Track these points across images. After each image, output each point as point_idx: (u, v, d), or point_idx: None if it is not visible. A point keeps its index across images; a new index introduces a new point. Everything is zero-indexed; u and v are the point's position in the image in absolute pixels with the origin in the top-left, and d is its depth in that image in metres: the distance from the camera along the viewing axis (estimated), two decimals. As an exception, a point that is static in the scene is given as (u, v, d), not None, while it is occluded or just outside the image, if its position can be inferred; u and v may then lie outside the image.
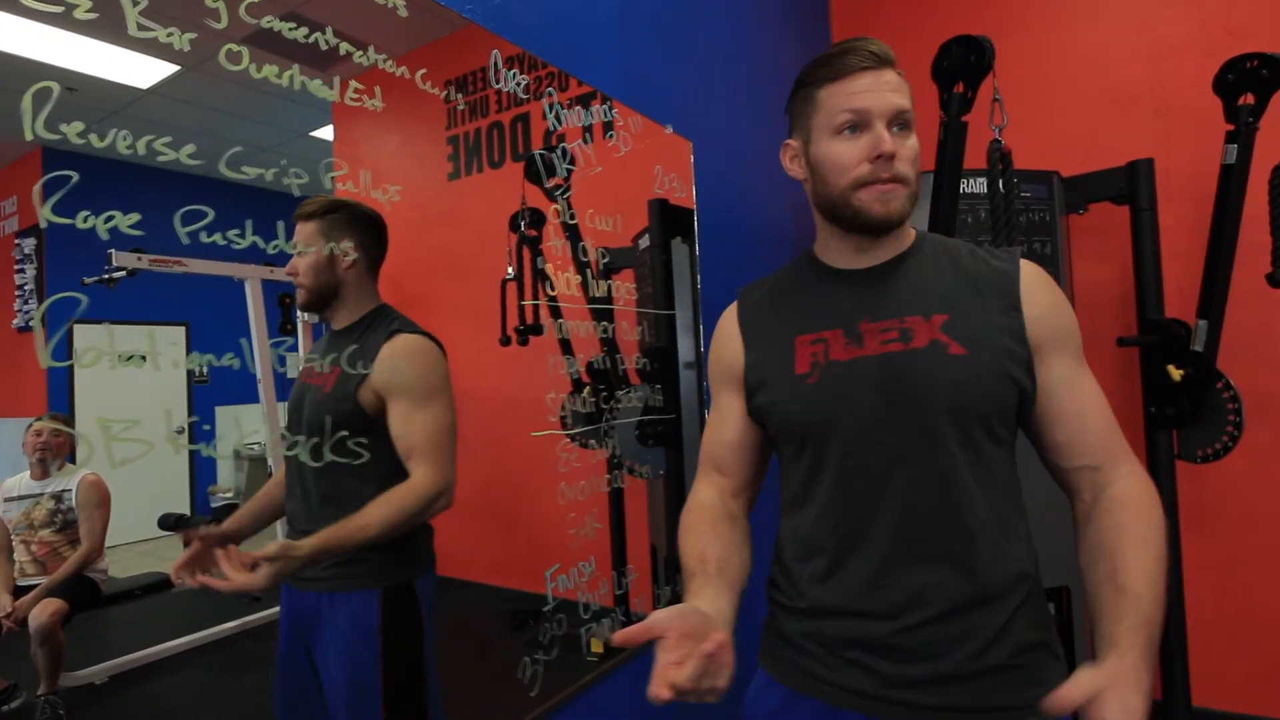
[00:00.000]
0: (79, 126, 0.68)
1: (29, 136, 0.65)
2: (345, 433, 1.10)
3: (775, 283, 1.04)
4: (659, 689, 0.68)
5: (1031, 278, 0.91)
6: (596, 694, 1.50)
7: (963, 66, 1.72)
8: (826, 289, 0.96)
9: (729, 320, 1.04)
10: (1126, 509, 0.84)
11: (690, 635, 0.72)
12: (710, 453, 1.05)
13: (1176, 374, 2.10)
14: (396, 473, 1.16)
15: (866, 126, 0.88)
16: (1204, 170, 2.18)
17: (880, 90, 0.88)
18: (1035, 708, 0.80)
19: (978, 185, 2.15)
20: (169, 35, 0.76)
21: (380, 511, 1.08)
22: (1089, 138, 2.53)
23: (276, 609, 1.36)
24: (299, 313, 1.70)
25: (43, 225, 0.68)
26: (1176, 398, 2.12)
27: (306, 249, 1.13)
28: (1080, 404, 0.89)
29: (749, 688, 0.99)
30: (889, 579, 0.86)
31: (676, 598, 1.79)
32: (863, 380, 0.89)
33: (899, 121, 0.89)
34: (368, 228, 1.20)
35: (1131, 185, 2.24)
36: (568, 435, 1.51)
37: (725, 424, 1.02)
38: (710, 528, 0.97)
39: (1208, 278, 2.05)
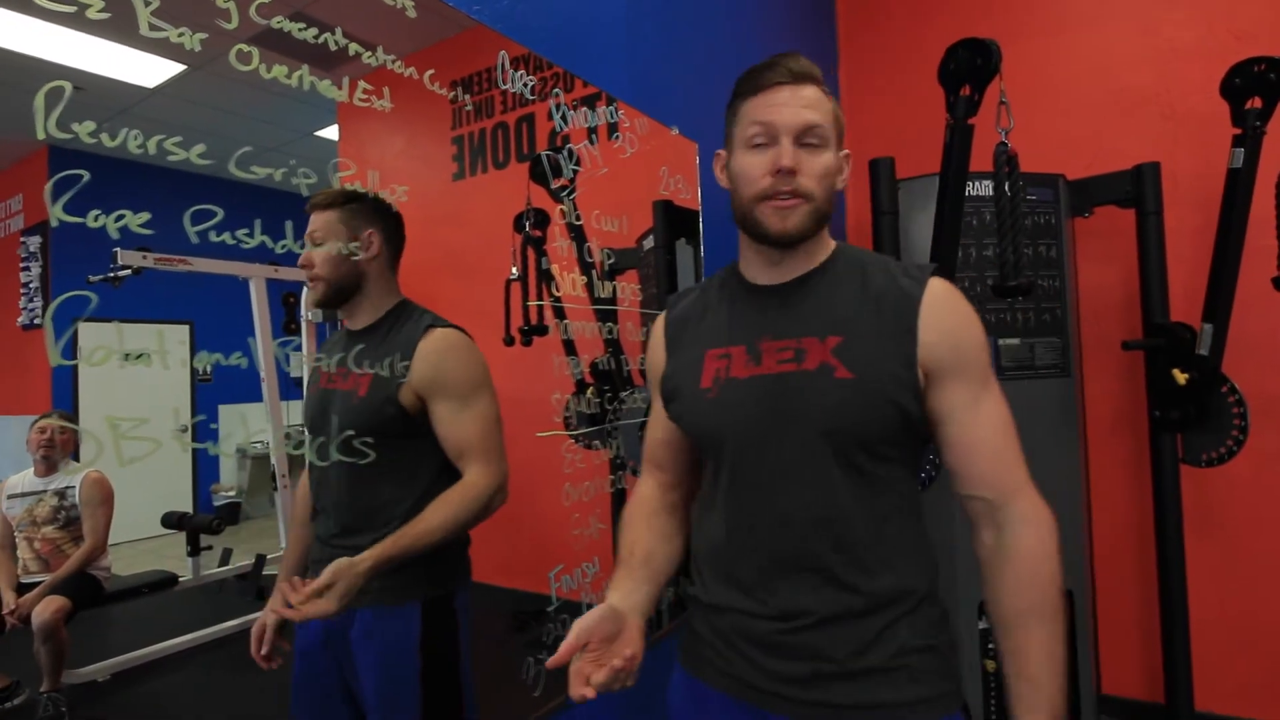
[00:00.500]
0: (90, 126, 0.68)
1: (41, 136, 0.65)
2: (383, 437, 1.08)
3: (700, 293, 1.06)
4: (580, 689, 0.81)
5: (935, 300, 0.89)
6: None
7: (969, 69, 1.71)
8: (740, 304, 0.98)
9: (658, 328, 1.09)
10: (1021, 570, 0.86)
11: (608, 638, 0.86)
12: (649, 450, 1.10)
13: (1181, 378, 2.10)
14: (440, 473, 1.14)
15: (774, 141, 0.89)
16: (1210, 174, 2.17)
17: (792, 105, 0.89)
18: (917, 706, 0.85)
19: (983, 188, 2.15)
20: (180, 35, 0.76)
21: (442, 514, 1.06)
22: (1095, 141, 2.52)
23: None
24: (304, 311, 1.70)
25: (54, 224, 0.68)
26: (1181, 402, 2.12)
27: (325, 240, 1.08)
28: (975, 432, 0.88)
29: (670, 679, 1.03)
30: (770, 587, 0.90)
31: (679, 598, 1.79)
32: (751, 398, 0.91)
33: (809, 137, 0.89)
34: (390, 218, 1.17)
35: (1137, 189, 2.23)
36: (571, 436, 1.51)
37: (658, 424, 1.07)
38: (644, 520, 1.04)
39: (1213, 281, 2.05)
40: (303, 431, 1.37)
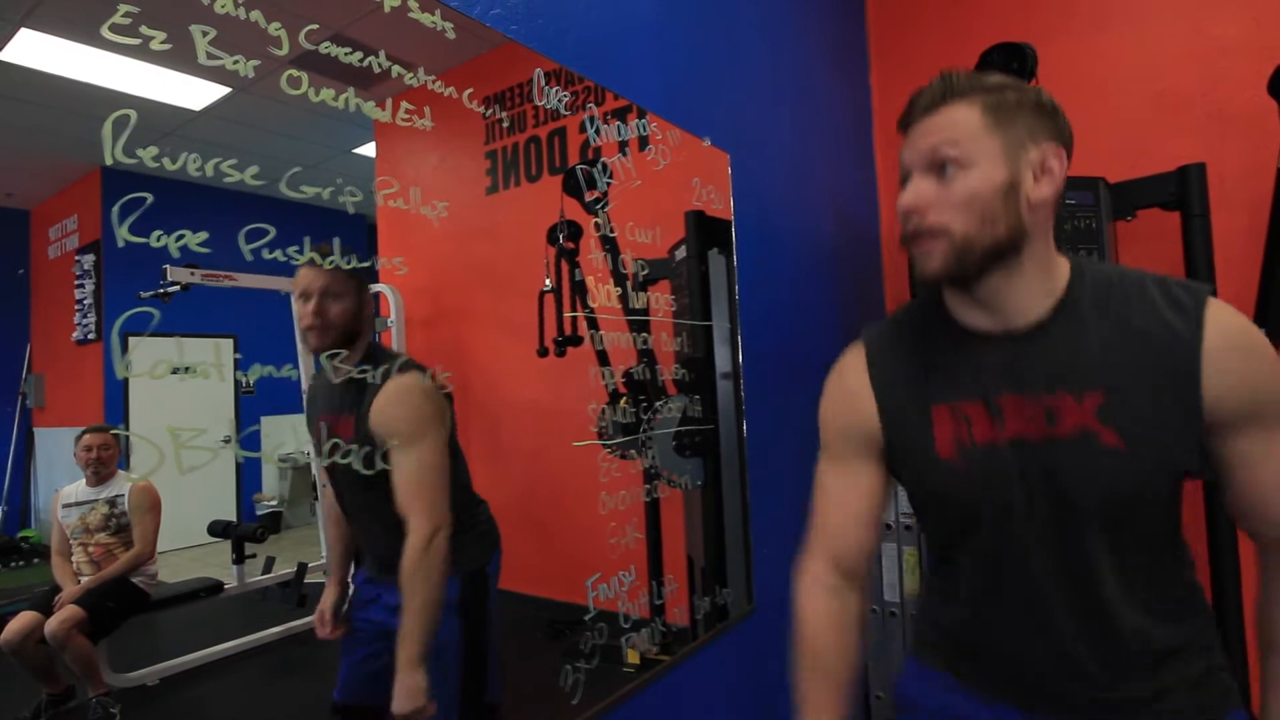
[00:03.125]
0: (154, 151, 0.71)
1: (108, 161, 0.68)
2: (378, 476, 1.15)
3: (899, 329, 0.92)
4: None
5: (1221, 339, 0.75)
6: (636, 704, 1.50)
7: (1004, 73, 1.69)
8: (956, 346, 0.85)
9: (856, 374, 0.92)
10: None
11: None
12: (829, 528, 0.95)
13: (1233, 385, 2.03)
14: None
15: (908, 180, 0.83)
16: (1260, 174, 2.11)
17: (923, 135, 0.80)
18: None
19: (1021, 192, 2.11)
20: (235, 63, 0.79)
21: (414, 590, 1.15)
22: (1137, 143, 2.46)
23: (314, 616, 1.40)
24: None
25: (120, 244, 0.71)
26: (1233, 410, 2.05)
27: (341, 292, 1.14)
28: (1274, 474, 0.78)
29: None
30: (1025, 661, 0.86)
31: (715, 608, 1.78)
32: (1003, 471, 0.81)
33: (939, 163, 0.79)
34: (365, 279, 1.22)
35: (1182, 190, 2.17)
36: (605, 446, 1.51)
37: (859, 492, 0.92)
38: (837, 641, 0.93)
39: (1265, 284, 1.98)
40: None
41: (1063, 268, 0.82)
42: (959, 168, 0.77)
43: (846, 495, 0.93)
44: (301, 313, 1.13)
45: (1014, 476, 0.80)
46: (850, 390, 0.92)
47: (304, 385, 1.70)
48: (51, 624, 1.32)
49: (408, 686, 1.11)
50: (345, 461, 1.11)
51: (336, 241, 0.98)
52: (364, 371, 1.16)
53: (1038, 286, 0.81)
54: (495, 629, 1.33)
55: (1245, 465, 0.78)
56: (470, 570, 1.29)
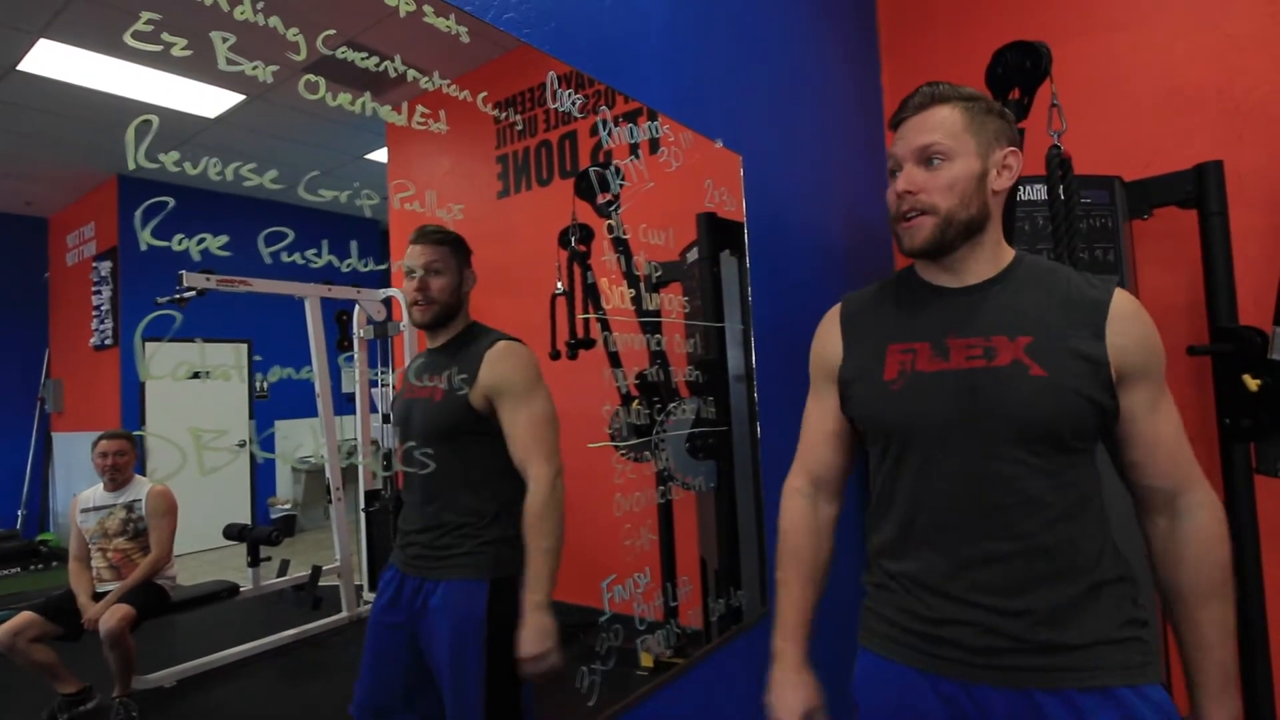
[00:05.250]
0: (175, 156, 0.72)
1: (131, 166, 0.69)
2: (456, 435, 1.24)
3: (877, 291, 1.12)
4: None
5: (1121, 307, 0.96)
6: (651, 707, 1.49)
7: (1018, 72, 1.68)
8: (922, 303, 1.04)
9: (832, 319, 1.13)
10: (1201, 551, 0.95)
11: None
12: (808, 450, 1.15)
13: (1253, 384, 2.00)
14: (504, 472, 1.27)
15: (899, 169, 1.00)
16: (1278, 171, 2.08)
17: (915, 133, 0.98)
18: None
19: (1036, 192, 2.09)
20: (254, 68, 0.80)
21: (543, 533, 1.21)
22: (1152, 141, 2.44)
23: (333, 618, 1.40)
24: (356, 329, 1.76)
25: (143, 248, 0.72)
26: (1253, 409, 2.02)
27: (444, 271, 1.26)
28: (1156, 429, 0.96)
29: (856, 672, 1.09)
30: (960, 576, 0.96)
31: (729, 610, 1.77)
32: (940, 391, 0.97)
33: (930, 155, 0.97)
34: (469, 253, 1.33)
35: (1199, 188, 2.15)
36: (618, 448, 1.51)
37: (825, 416, 1.12)
38: (811, 543, 1.12)
39: (1285, 283, 1.96)
40: (354, 445, 1.43)
41: (1009, 251, 1.04)
42: (944, 159, 0.97)
43: (821, 418, 1.13)
44: (406, 288, 1.26)
45: (949, 395, 0.96)
46: (826, 332, 1.14)
47: (318, 388, 1.72)
48: (109, 620, 1.34)
49: (537, 628, 1.15)
50: (446, 415, 1.22)
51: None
52: (466, 341, 1.28)
53: (990, 257, 1.02)
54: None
55: (1134, 419, 0.96)
56: (503, 576, 1.27)
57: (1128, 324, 0.95)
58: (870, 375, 1.03)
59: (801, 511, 1.13)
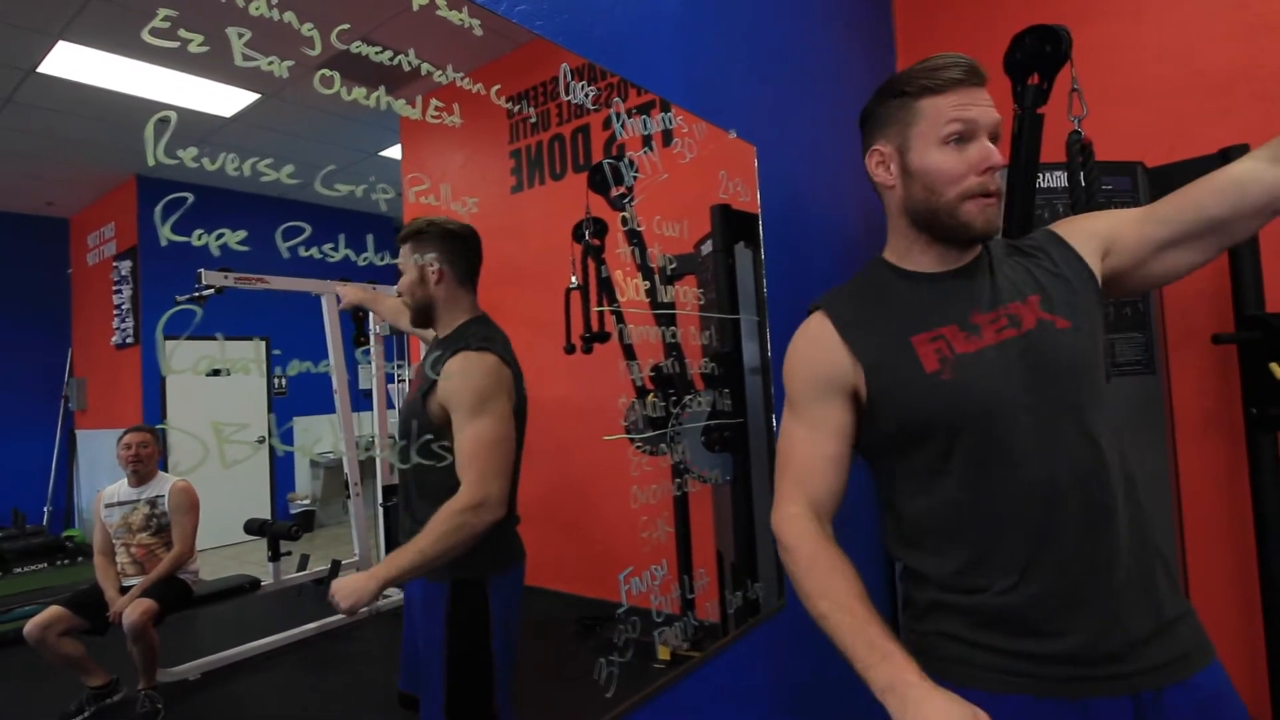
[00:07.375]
0: (193, 151, 0.73)
1: (151, 163, 0.70)
2: (429, 436, 1.18)
3: (855, 291, 1.05)
4: None
5: (1060, 227, 1.03)
6: (668, 699, 1.49)
7: (1037, 57, 1.65)
8: (920, 291, 1.00)
9: (821, 331, 1.03)
10: None
11: None
12: (802, 474, 1.02)
13: (1280, 373, 1.96)
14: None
15: (972, 138, 0.93)
16: (1307, 155, 2.03)
17: (983, 104, 0.94)
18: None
19: (1056, 179, 2.06)
20: (270, 64, 0.80)
21: (430, 534, 1.13)
22: (1176, 126, 2.39)
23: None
24: (373, 325, 1.77)
25: (163, 243, 0.73)
26: (1280, 399, 1.99)
27: (405, 269, 1.23)
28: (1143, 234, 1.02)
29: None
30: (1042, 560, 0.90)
31: (746, 603, 1.77)
32: (992, 368, 0.92)
33: (994, 135, 0.95)
34: (451, 240, 1.26)
35: (1225, 173, 2.10)
36: (634, 441, 1.51)
37: (822, 438, 1.01)
38: (840, 570, 0.95)
39: (1314, 270, 1.91)
40: (371, 440, 1.44)
41: None
42: (997, 142, 0.95)
43: (816, 440, 1.02)
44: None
45: (1001, 371, 0.92)
46: (820, 343, 1.03)
47: (335, 384, 1.73)
48: (132, 614, 1.36)
49: (357, 586, 1.04)
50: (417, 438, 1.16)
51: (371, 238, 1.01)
52: (454, 341, 1.23)
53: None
54: (501, 664, 1.26)
55: (1143, 246, 1.00)
56: (461, 579, 1.23)
57: (1072, 228, 1.01)
58: (905, 374, 0.94)
59: (814, 531, 0.98)
